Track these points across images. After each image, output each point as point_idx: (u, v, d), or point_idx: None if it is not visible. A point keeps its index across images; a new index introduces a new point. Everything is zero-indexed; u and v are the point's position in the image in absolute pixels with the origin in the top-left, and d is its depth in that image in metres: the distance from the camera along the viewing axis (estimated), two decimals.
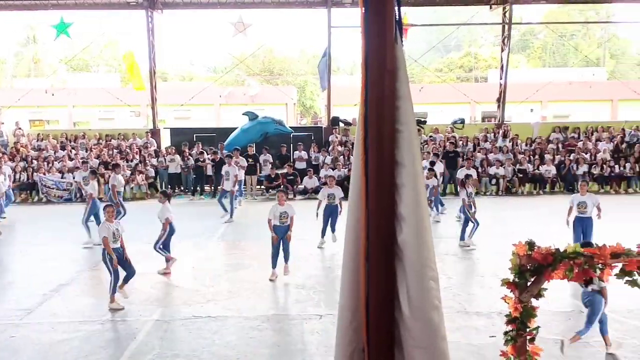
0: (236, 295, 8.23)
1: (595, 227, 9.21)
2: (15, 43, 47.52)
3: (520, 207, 14.90)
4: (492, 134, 19.94)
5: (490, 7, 20.65)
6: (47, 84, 34.84)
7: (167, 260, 9.26)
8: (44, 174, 17.31)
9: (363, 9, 1.93)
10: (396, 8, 1.96)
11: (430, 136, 19.45)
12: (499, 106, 20.99)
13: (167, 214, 9.17)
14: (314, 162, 18.35)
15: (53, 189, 16.90)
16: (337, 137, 19.43)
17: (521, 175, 17.53)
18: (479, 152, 18.30)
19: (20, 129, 21.03)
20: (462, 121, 19.85)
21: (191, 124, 30.02)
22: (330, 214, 10.72)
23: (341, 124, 20.18)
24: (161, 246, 9.20)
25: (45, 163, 18.05)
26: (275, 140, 18.82)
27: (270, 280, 8.82)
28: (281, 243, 8.81)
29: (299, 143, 18.81)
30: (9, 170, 16.35)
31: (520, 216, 13.60)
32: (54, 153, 19.17)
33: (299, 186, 17.22)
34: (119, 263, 7.69)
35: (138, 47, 21.56)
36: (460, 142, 18.97)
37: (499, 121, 20.92)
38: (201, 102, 27.85)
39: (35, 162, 18.20)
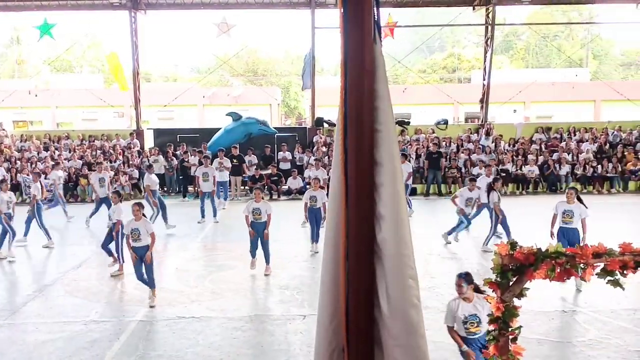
0: (220, 295, 8.26)
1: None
2: None
3: (503, 207, 15.06)
4: (476, 134, 20.13)
5: (474, 9, 20.87)
6: (31, 85, 34.43)
7: (115, 260, 9.39)
8: (28, 174, 17.09)
9: (342, 9, 1.93)
10: (375, 8, 1.96)
11: (414, 137, 19.60)
12: (482, 107, 21.21)
13: (120, 215, 9.05)
14: (298, 163, 18.39)
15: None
16: (321, 138, 19.49)
17: (504, 175, 17.71)
18: (462, 152, 18.46)
19: (4, 129, 20.83)
20: (445, 122, 20.01)
21: (175, 125, 29.85)
22: (315, 217, 10.57)
23: (325, 125, 20.22)
24: (117, 248, 9.26)
25: (29, 164, 17.85)
26: (259, 141, 18.81)
27: (251, 269, 9.15)
28: (259, 241, 9.10)
29: (283, 144, 18.83)
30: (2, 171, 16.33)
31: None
32: (37, 154, 18.96)
33: (283, 187, 17.25)
34: (138, 263, 7.79)
35: (122, 48, 21.44)
36: (444, 143, 19.13)
37: (482, 122, 21.14)
38: (185, 102, 27.76)
39: (18, 162, 17.99)
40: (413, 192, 16.96)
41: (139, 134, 20.32)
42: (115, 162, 18.18)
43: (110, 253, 9.39)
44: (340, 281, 2.08)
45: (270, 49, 49.86)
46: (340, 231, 2.06)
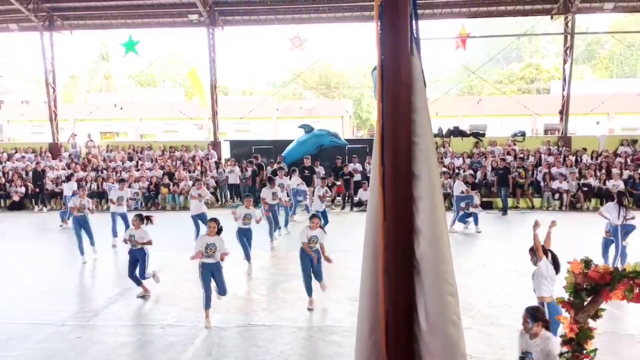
0: (290, 305, 8.34)
1: None
2: (89, 60, 50.43)
3: (584, 224, 14.26)
4: (556, 147, 19.26)
5: (552, 17, 20.05)
6: (117, 99, 36.75)
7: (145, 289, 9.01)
8: (113, 183, 18.23)
9: (378, 22, 1.95)
10: (412, 21, 1.97)
11: (489, 149, 19.04)
12: (562, 118, 20.26)
13: (146, 237, 8.83)
14: (369, 174, 18.31)
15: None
16: None
17: (586, 189, 16.80)
18: (542, 165, 17.72)
19: (92, 140, 22.31)
20: (523, 134, 19.31)
21: (250, 137, 30.77)
22: None
23: None
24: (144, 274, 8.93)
25: (114, 173, 19.01)
26: (330, 153, 18.97)
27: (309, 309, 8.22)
28: (311, 266, 8.25)
29: (354, 155, 18.88)
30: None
31: (582, 233, 13.01)
32: (122, 163, 20.17)
33: (354, 198, 17.28)
34: (211, 277, 7.59)
35: (201, 63, 22.43)
36: (521, 155, 18.44)
37: (562, 134, 20.20)
38: (260, 115, 28.51)
39: (104, 171, 19.22)
40: (488, 206, 16.45)
41: (216, 145, 21.11)
42: (193, 172, 19.00)
43: (139, 282, 8.94)
44: (379, 295, 2.07)
45: (342, 62, 50.36)
46: (378, 244, 2.05)
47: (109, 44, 44.50)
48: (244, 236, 10.27)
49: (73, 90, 50.18)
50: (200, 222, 12.00)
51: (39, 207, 18.51)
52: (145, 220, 8.92)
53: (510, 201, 16.86)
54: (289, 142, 19.67)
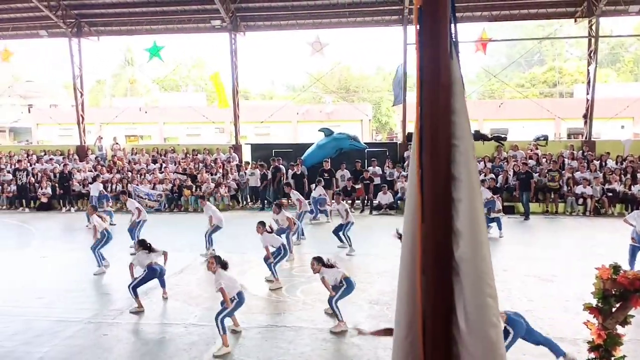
0: (310, 306, 8.43)
1: None
2: (115, 65, 51.43)
3: (609, 229, 14.08)
4: (580, 152, 19.02)
5: (575, 20, 19.83)
6: (141, 103, 37.40)
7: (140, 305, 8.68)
8: (137, 185, 18.62)
9: (417, 25, 1.96)
10: (451, 24, 1.97)
11: (511, 154, 18.90)
12: (585, 122, 20.00)
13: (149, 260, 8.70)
14: (388, 178, 18.37)
15: (145, 199, 18.02)
16: None
17: (610, 195, 16.56)
18: (564, 170, 17.51)
19: (117, 143, 22.81)
20: (546, 138, 19.11)
21: (270, 140, 31.01)
22: None
23: None
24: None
25: (139, 175, 19.40)
26: (350, 156, 19.04)
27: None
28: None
29: (374, 159, 18.91)
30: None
31: (608, 238, 12.85)
32: (146, 166, 20.56)
33: (374, 202, 17.31)
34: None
35: (222, 68, 22.72)
36: (544, 160, 18.25)
37: (586, 138, 19.94)
38: (280, 119, 28.73)
39: (129, 174, 19.61)
40: (509, 211, 16.32)
41: (237, 148, 21.37)
42: (215, 174, 19.26)
43: (163, 284, 9.03)
44: (416, 296, 2.07)
45: (361, 66, 50.40)
46: (416, 246, 2.06)
47: (134, 49, 45.39)
48: (281, 235, 10.34)
49: (99, 95, 51.19)
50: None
51: (66, 207, 18.96)
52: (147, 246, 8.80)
53: (533, 206, 16.70)
54: (309, 145, 19.80)
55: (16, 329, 7.67)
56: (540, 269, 10.28)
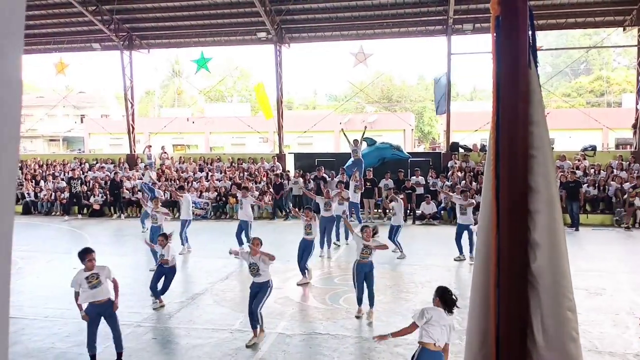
0: (353, 315, 8.44)
1: None
2: (163, 76, 53.14)
3: None
4: (628, 162, 18.35)
5: (624, 29, 19.19)
6: (188, 113, 38.41)
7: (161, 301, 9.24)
8: (186, 192, 19.07)
9: (494, 33, 1.95)
10: (530, 32, 1.94)
11: (558, 164, 18.41)
12: (635, 132, 19.27)
13: (171, 255, 9.05)
14: (431, 188, 18.21)
15: (192, 207, 18.44)
16: (456, 163, 19.13)
17: None
18: (612, 180, 16.92)
19: (165, 152, 23.49)
20: (594, 148, 18.53)
21: (313, 149, 31.24)
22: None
23: (461, 150, 19.86)
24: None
25: (186, 183, 19.92)
26: (393, 166, 18.98)
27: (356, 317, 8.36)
28: (364, 278, 8.30)
29: (417, 168, 18.79)
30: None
31: None
32: (193, 174, 21.10)
33: (417, 212, 17.18)
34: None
35: (266, 78, 23.11)
36: (592, 170, 17.69)
37: (635, 148, 19.21)
38: (323, 129, 28.94)
39: (177, 182, 20.17)
40: None
41: (281, 157, 21.66)
42: (259, 183, 19.58)
43: (157, 295, 9.13)
44: (490, 309, 2.05)
45: (404, 75, 50.24)
46: (490, 258, 2.03)
47: (182, 60, 46.78)
48: (303, 249, 10.36)
49: (148, 105, 52.90)
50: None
51: (116, 214, 19.65)
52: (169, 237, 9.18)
53: (590, 219, 16.21)
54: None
55: (69, 331, 7.96)
56: (588, 282, 9.98)
